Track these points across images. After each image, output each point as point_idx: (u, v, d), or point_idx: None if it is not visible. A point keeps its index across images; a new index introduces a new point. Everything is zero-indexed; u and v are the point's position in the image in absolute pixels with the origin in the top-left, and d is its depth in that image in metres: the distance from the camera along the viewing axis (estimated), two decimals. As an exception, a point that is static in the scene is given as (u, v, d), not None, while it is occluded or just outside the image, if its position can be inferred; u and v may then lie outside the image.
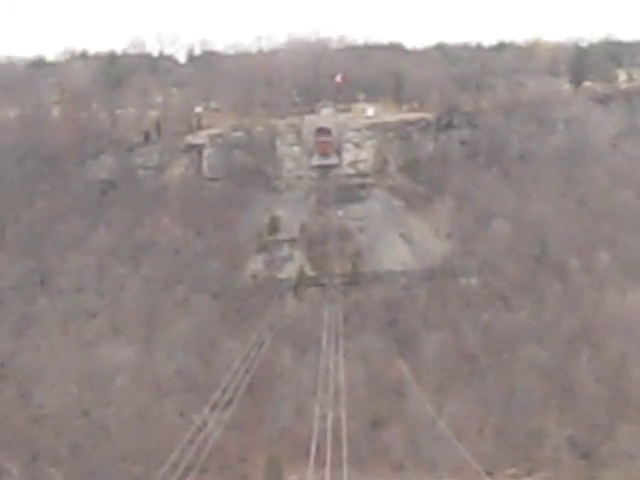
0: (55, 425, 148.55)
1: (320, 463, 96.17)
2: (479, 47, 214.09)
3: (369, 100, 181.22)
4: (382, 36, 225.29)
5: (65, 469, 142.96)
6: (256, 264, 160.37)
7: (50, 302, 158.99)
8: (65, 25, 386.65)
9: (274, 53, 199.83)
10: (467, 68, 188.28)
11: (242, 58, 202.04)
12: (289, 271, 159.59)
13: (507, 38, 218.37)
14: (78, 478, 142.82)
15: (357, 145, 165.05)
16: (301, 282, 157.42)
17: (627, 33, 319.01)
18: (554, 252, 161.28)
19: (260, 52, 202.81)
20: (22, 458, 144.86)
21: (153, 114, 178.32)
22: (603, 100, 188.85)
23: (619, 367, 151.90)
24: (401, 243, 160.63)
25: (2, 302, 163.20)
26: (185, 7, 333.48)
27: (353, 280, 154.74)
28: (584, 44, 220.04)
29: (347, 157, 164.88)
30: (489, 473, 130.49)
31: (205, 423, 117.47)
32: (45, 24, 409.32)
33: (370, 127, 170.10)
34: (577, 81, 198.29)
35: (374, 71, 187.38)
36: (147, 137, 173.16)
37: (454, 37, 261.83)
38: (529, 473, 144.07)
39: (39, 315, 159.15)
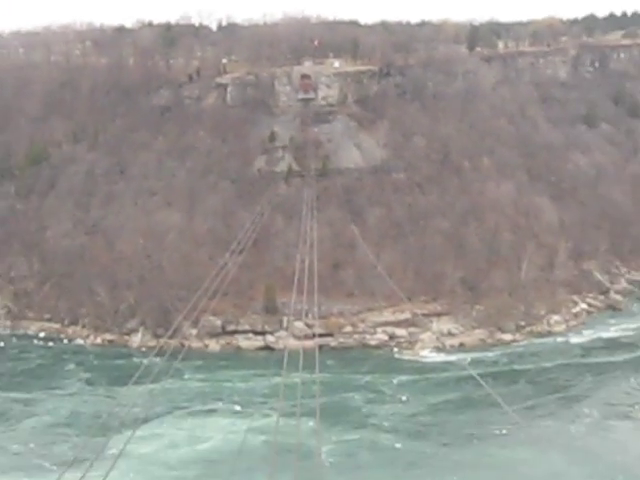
0: (128, 264, 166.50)
1: (300, 291, 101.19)
2: (408, 23, 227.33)
3: (336, 57, 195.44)
4: (345, 14, 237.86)
5: (134, 293, 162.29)
6: (260, 162, 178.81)
7: (126, 185, 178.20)
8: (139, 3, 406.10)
9: (274, 25, 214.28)
10: (400, 37, 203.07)
11: (253, 27, 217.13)
12: (282, 166, 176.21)
13: (427, 18, 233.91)
14: (143, 299, 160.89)
15: (327, 86, 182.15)
16: (289, 174, 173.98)
17: (505, 15, 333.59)
18: (454, 157, 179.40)
19: (265, 24, 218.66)
20: (107, 285, 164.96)
21: (195, 63, 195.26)
22: (487, 60, 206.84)
23: (494, 233, 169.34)
24: (355, 150, 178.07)
25: (95, 184, 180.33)
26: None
27: (323, 173, 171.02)
28: (476, 23, 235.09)
29: (320, 93, 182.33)
30: (409, 298, 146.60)
31: (226, 264, 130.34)
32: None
33: (336, 74, 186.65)
34: (471, 47, 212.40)
35: (339, 38, 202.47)
36: (191, 78, 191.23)
37: (392, 16, 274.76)
38: (434, 299, 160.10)
39: (119, 193, 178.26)
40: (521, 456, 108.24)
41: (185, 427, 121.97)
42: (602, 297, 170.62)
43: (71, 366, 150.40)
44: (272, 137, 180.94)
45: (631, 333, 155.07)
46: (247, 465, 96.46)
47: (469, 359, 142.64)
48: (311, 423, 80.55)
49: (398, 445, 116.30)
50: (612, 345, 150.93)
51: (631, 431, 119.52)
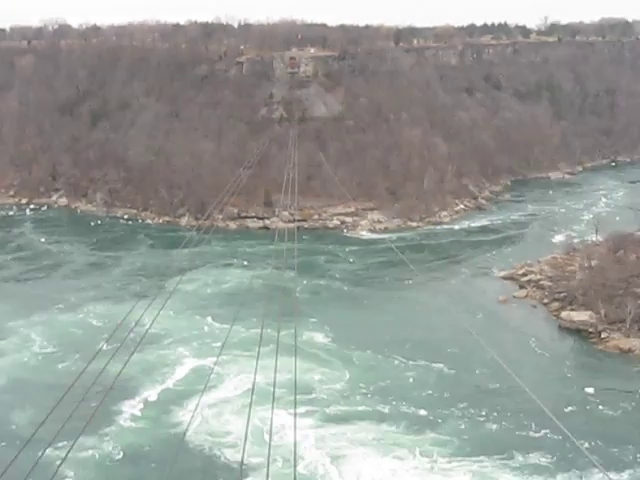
0: (179, 173, 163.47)
1: (286, 192, 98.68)
2: (357, 26, 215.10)
3: (311, 46, 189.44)
4: (318, 19, 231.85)
5: (183, 191, 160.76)
6: (263, 111, 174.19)
7: (179, 124, 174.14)
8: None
9: (274, 25, 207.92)
10: (352, 34, 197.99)
11: (260, 26, 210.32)
12: (276, 115, 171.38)
13: (369, 22, 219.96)
14: (188, 195, 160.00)
15: (306, 64, 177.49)
16: (281, 120, 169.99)
17: (419, 22, 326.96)
18: (384, 112, 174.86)
19: (267, 24, 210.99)
20: (166, 186, 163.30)
21: (223, 48, 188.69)
22: (407, 51, 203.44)
23: (408, 159, 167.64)
24: (322, 106, 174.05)
25: (160, 123, 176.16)
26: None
27: (302, 120, 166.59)
28: (400, 27, 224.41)
29: (301, 69, 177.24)
30: (354, 199, 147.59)
31: (240, 175, 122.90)
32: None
33: (311, 57, 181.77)
34: (396, 42, 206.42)
35: (314, 34, 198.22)
36: (220, 57, 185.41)
37: (348, 20, 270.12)
38: (369, 200, 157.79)
39: (174, 129, 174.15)
40: (420, 296, 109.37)
41: (212, 275, 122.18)
42: (473, 201, 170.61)
43: (142, 236, 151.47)
44: (270, 96, 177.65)
45: (491, 223, 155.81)
46: (252, 298, 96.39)
47: (391, 237, 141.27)
48: (292, 273, 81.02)
49: (345, 288, 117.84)
50: (480, 230, 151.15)
51: (488, 282, 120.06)
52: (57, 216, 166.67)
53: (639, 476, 64.68)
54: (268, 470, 45.90)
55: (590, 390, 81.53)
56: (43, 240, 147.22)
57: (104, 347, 39.64)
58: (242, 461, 60.60)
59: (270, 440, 41.31)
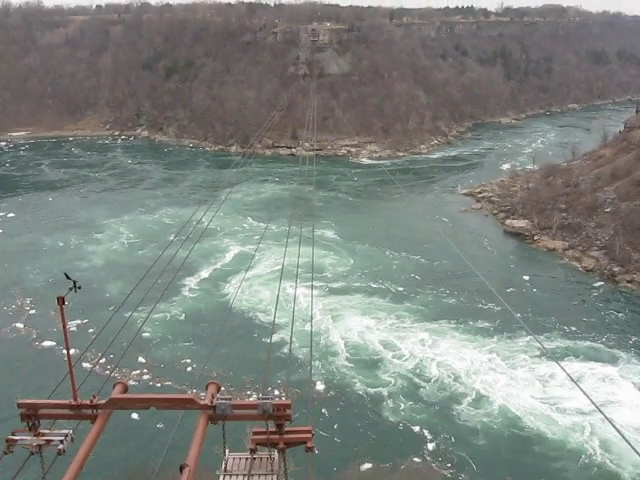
0: (231, 114, 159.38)
1: (308, 129, 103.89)
2: (362, 7, 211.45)
3: (328, 21, 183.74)
4: (333, 0, 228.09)
5: (233, 127, 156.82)
6: (291, 69, 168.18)
7: (230, 77, 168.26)
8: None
9: (300, 4, 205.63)
10: (358, 12, 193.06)
11: (290, 6, 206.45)
12: (301, 72, 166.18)
13: (371, 4, 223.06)
14: (236, 130, 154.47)
15: (323, 34, 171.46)
16: (304, 76, 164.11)
17: (408, 4, 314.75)
18: (380, 71, 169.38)
19: (295, 4, 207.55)
20: (220, 123, 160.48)
21: (262, 22, 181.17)
22: (398, 26, 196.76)
23: (397, 106, 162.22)
24: (335, 65, 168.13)
25: (215, 76, 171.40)
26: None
27: (320, 76, 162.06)
28: (394, 7, 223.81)
29: (320, 38, 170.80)
30: (357, 134, 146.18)
31: (274, 115, 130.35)
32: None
33: (328, 29, 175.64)
34: (391, 19, 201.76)
35: (330, 12, 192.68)
36: (260, 29, 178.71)
37: (355, 2, 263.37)
38: (368, 135, 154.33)
39: (226, 81, 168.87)
40: (404, 206, 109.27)
41: (253, 188, 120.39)
42: (444, 138, 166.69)
43: (201, 160, 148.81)
44: (297, 58, 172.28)
45: (457, 154, 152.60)
46: (281, 204, 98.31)
47: (384, 163, 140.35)
48: (311, 188, 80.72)
49: (350, 199, 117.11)
50: (449, 159, 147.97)
51: (454, 197, 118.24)
52: (140, 144, 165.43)
53: (555, 337, 65.46)
54: (292, 325, 45.49)
55: (526, 277, 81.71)
56: (130, 161, 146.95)
57: (174, 239, 39.28)
58: (274, 320, 61.11)
59: (294, 305, 40.50)
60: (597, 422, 50.70)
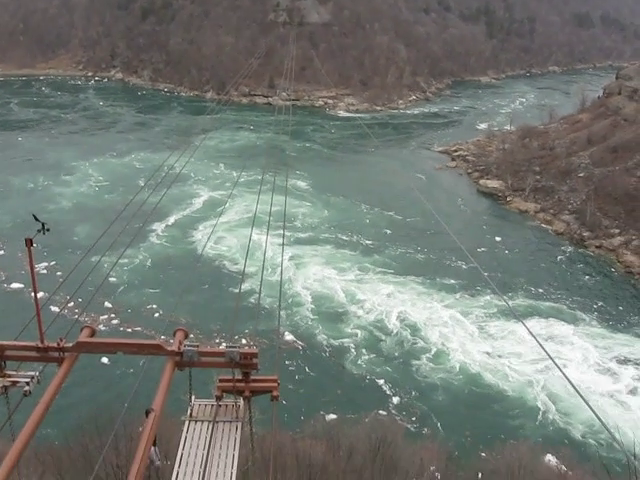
0: (208, 59, 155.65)
1: (285, 78, 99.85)
2: None
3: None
4: None
5: (209, 73, 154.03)
6: (271, 16, 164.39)
7: (208, 22, 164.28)
8: None
9: None
10: None
11: None
12: (281, 19, 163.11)
13: None
14: (213, 76, 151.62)
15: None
16: (284, 23, 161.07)
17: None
18: (361, 22, 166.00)
19: None
20: (195, 68, 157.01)
21: None
22: None
23: (377, 59, 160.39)
24: (315, 14, 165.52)
25: (193, 19, 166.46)
26: None
27: (300, 24, 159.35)
28: None
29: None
30: (335, 86, 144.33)
31: (252, 62, 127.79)
32: None
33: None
34: None
35: None
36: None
37: None
38: (346, 88, 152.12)
39: (204, 25, 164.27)
40: (380, 161, 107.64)
41: (227, 135, 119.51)
42: (423, 94, 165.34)
43: (176, 105, 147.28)
44: (277, 4, 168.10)
45: (435, 111, 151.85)
46: (255, 152, 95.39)
47: (360, 117, 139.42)
48: (286, 137, 79.85)
49: (325, 151, 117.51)
50: (426, 116, 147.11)
51: (429, 154, 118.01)
52: (113, 87, 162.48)
53: (520, 296, 66.69)
54: (262, 275, 45.62)
55: (497, 238, 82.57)
56: (102, 104, 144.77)
57: (145, 184, 38.84)
58: (244, 269, 61.27)
59: (265, 254, 40.73)
60: (553, 379, 52.17)
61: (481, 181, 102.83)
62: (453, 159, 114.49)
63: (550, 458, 40.02)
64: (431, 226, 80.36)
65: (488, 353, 56.79)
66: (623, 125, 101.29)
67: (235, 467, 7.95)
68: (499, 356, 56.49)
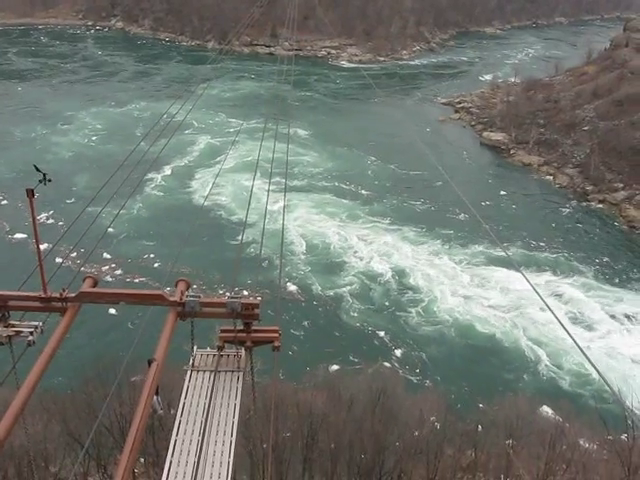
0: (208, 8, 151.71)
1: (287, 28, 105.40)
2: None
3: None
4: None
5: (210, 22, 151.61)
6: None
7: None
8: None
9: None
10: None
11: None
12: None
13: None
14: (214, 25, 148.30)
15: None
16: None
17: None
18: None
19: None
20: (197, 18, 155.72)
21: None
22: None
23: (380, 12, 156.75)
24: None
25: None
26: None
27: None
28: None
29: None
30: (338, 36, 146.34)
31: (254, 11, 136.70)
32: None
33: None
34: None
35: None
36: None
37: None
38: (350, 38, 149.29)
39: None
40: (383, 111, 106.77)
41: (229, 84, 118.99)
42: (427, 45, 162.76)
43: (177, 54, 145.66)
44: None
45: (439, 62, 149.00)
46: (256, 101, 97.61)
47: (364, 67, 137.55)
48: (288, 87, 79.02)
49: (328, 101, 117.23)
50: (430, 67, 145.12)
51: (433, 106, 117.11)
52: (113, 36, 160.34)
53: (520, 248, 67.36)
54: (264, 225, 45.79)
55: (500, 191, 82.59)
56: (101, 53, 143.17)
57: (147, 133, 38.46)
58: (246, 218, 61.15)
59: (267, 203, 40.66)
60: (549, 331, 52.84)
61: (485, 133, 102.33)
62: (457, 111, 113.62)
63: (547, 410, 40.82)
64: (433, 178, 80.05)
65: (483, 304, 57.45)
66: (630, 78, 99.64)
67: (237, 416, 8.01)
68: (494, 307, 57.15)
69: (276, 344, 7.83)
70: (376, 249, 65.15)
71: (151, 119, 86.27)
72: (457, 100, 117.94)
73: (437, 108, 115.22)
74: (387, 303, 57.27)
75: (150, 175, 75.38)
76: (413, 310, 56.49)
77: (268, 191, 28.17)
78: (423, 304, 57.32)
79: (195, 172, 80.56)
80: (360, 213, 72.60)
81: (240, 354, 8.51)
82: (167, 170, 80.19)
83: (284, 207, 62.53)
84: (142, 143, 22.82)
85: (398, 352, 51.05)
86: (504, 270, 61.57)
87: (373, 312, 55.89)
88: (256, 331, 7.82)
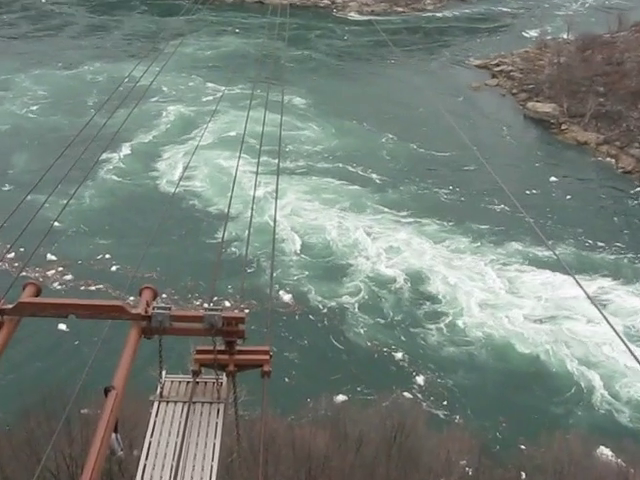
0: None
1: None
2: None
3: None
4: None
5: None
6: None
7: None
8: None
9: None
10: None
11: None
12: None
13: None
14: None
15: None
16: None
17: None
18: None
19: None
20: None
21: None
22: None
23: None
24: None
25: None
26: None
27: None
28: None
29: None
30: None
31: None
32: None
33: None
34: None
35: None
36: None
37: None
38: None
39: None
40: (400, 75, 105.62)
41: (207, 41, 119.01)
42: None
43: (138, 3, 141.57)
44: None
45: (472, 14, 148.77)
46: (245, 61, 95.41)
47: (377, 20, 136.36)
48: (282, 44, 78.82)
49: (331, 62, 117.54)
50: (461, 20, 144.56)
51: (463, 69, 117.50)
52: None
53: (572, 247, 67.57)
54: (251, 218, 45.72)
55: (552, 178, 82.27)
56: (45, 1, 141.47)
57: (102, 102, 38.39)
58: (228, 210, 61.32)
59: (255, 191, 40.68)
60: (601, 352, 53.14)
61: (529, 104, 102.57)
62: (494, 75, 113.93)
63: (606, 451, 40.72)
64: (464, 160, 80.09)
65: (522, 317, 57.46)
66: None
67: (216, 459, 8.04)
68: (535, 320, 57.21)
69: (266, 368, 7.85)
70: (388, 247, 65.34)
71: (109, 84, 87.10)
72: (495, 62, 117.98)
73: (470, 72, 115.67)
74: (401, 316, 57.33)
75: (107, 155, 74.81)
76: (433, 325, 56.53)
77: (257, 174, 28.07)
78: (447, 318, 57.36)
79: (163, 151, 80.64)
80: (369, 202, 72.77)
81: (221, 381, 8.52)
82: (128, 148, 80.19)
83: (276, 196, 62.59)
84: (97, 115, 22.79)
85: (418, 379, 51.06)
86: (548, 274, 61.74)
87: (384, 328, 55.95)
88: (241, 352, 7.85)
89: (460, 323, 56.85)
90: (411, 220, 70.18)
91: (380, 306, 58.31)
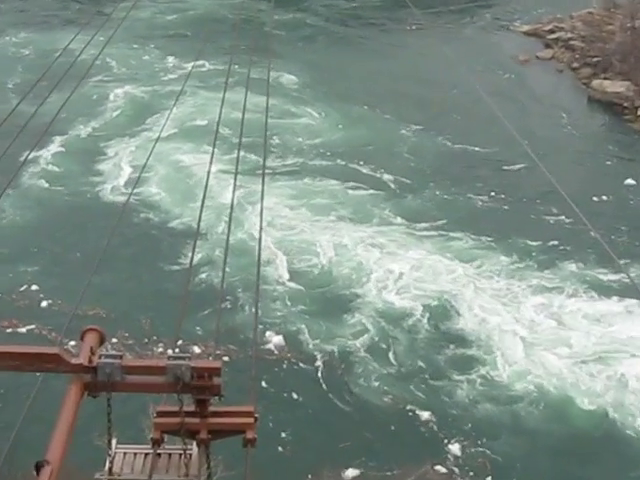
0: None
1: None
2: None
3: None
4: None
5: None
6: None
7: None
8: None
9: None
10: None
11: None
12: None
13: None
14: None
15: None
16: None
17: None
18: None
19: None
20: None
21: None
22: None
23: None
24: None
25: None
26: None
27: None
28: None
29: None
30: None
31: None
32: None
33: None
34: None
35: None
36: None
37: None
38: None
39: None
40: (423, 45, 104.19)
41: (166, 1, 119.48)
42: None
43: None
44: None
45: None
46: (219, 28, 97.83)
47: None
48: (267, 5, 79.56)
49: (333, 29, 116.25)
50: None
51: (507, 37, 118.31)
52: None
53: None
54: (228, 236, 45.94)
55: (628, 180, 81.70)
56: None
57: (30, 83, 38.60)
58: (198, 226, 61.22)
59: (233, 198, 40.88)
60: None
61: (595, 82, 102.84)
62: (547, 45, 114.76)
63: None
64: (509, 157, 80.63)
65: (582, 363, 56.86)
66: None
67: None
68: (598, 364, 56.73)
69: (249, 435, 7.89)
70: (402, 270, 64.98)
71: (38, 61, 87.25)
72: (548, 28, 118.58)
73: (516, 40, 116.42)
74: (422, 363, 56.85)
75: (34, 153, 73.85)
76: (464, 376, 55.86)
77: (235, 174, 28.24)
78: (480, 365, 56.81)
79: (108, 147, 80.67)
80: (385, 211, 72.76)
81: (189, 453, 8.52)
82: (61, 144, 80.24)
83: (262, 205, 62.14)
84: (22, 102, 22.89)
85: (451, 447, 50.34)
86: (614, 302, 61.75)
87: (401, 380, 55.38)
88: (216, 414, 7.88)
89: (498, 371, 56.30)
90: (434, 233, 70.00)
91: (394, 350, 57.77)
